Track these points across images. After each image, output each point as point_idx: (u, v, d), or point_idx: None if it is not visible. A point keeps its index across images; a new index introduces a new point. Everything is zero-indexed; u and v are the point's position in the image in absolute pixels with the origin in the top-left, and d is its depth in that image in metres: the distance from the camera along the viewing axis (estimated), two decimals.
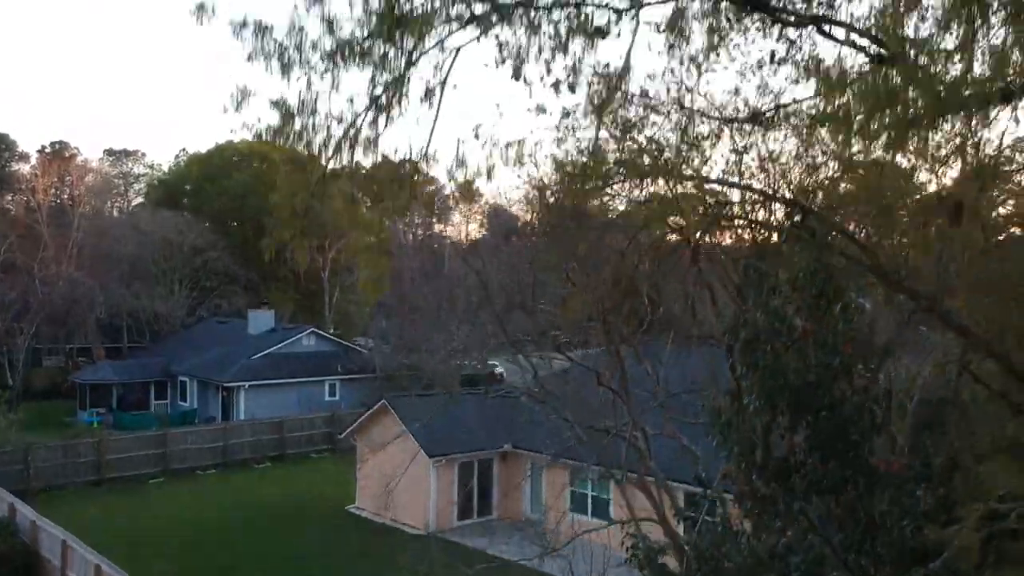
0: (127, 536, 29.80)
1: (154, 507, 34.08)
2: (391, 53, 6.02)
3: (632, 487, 16.90)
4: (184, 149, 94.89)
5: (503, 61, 6.11)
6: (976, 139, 8.24)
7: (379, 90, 6.27)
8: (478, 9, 5.79)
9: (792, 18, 6.17)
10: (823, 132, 6.57)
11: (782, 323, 8.23)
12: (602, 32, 6.01)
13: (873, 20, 5.77)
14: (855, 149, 7.52)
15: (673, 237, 12.40)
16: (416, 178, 7.50)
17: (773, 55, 6.71)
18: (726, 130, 8.45)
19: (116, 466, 37.74)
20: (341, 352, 50.65)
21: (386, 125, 6.63)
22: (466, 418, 32.29)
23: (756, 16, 6.29)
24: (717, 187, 10.94)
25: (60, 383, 54.73)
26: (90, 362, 57.11)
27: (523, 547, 27.52)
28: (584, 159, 9.88)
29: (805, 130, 7.37)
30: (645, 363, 18.10)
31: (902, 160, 9.28)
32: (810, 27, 6.14)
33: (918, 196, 10.40)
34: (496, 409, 31.80)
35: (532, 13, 5.78)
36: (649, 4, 6.03)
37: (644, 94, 7.93)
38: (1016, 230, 13.40)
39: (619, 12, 6.00)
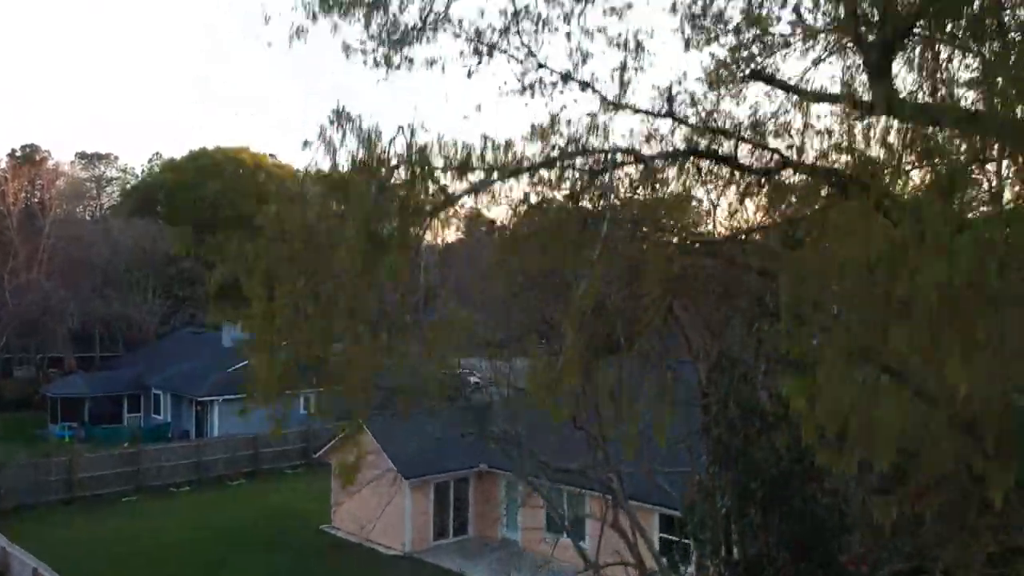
0: (99, 558, 29.54)
1: (127, 527, 33.76)
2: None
3: (608, 528, 16.94)
4: (158, 153, 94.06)
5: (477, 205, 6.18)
6: None
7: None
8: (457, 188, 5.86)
9: (763, 161, 6.30)
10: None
11: (754, 410, 8.31)
12: (576, 197, 6.11)
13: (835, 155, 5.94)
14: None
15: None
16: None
17: (743, 199, 6.83)
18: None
19: (88, 484, 37.35)
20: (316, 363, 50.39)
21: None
22: (442, 437, 32.22)
23: (726, 168, 6.41)
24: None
25: (31, 394, 54.12)
26: (61, 373, 56.49)
27: (500, 569, 27.68)
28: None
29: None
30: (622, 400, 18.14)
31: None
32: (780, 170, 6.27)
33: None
34: (472, 427, 31.76)
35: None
36: (623, 164, 6.11)
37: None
38: None
39: (593, 173, 6.08)
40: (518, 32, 6.03)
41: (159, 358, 53.53)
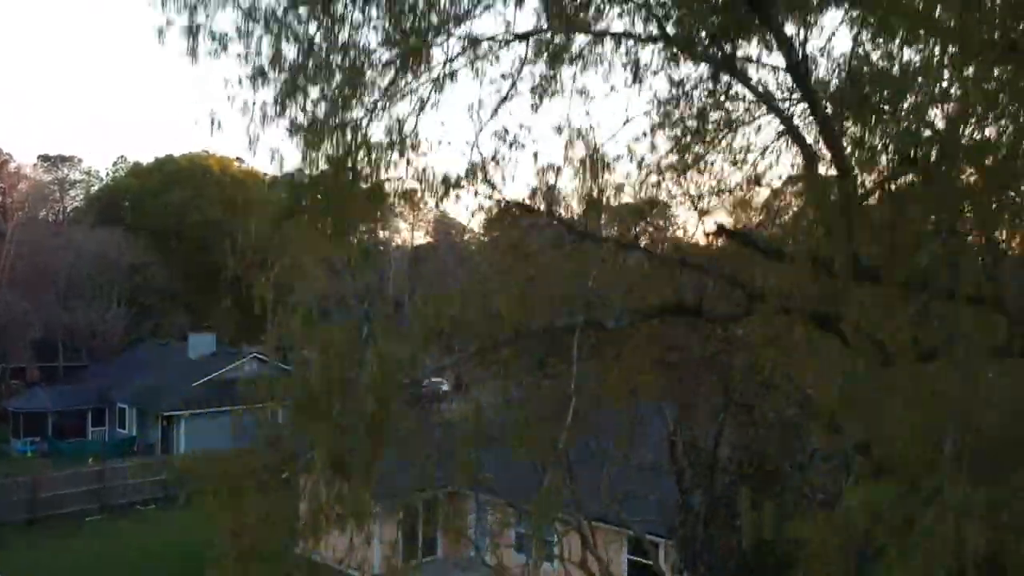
0: None
1: (92, 549, 33.27)
2: None
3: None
4: (123, 156, 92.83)
5: None
6: None
7: None
8: None
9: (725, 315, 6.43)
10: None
11: (726, 497, 8.37)
12: (542, 364, 6.18)
13: None
14: None
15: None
16: None
17: (708, 337, 6.96)
18: None
19: (51, 504, 36.76)
20: (283, 376, 49.98)
21: None
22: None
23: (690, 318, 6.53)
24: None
25: None
26: (24, 385, 55.59)
27: None
28: None
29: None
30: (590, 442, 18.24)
31: None
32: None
33: None
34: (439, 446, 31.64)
35: None
36: (592, 327, 6.19)
37: None
38: None
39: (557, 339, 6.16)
40: (484, 172, 6.06)
41: (124, 371, 52.89)
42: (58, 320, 57.66)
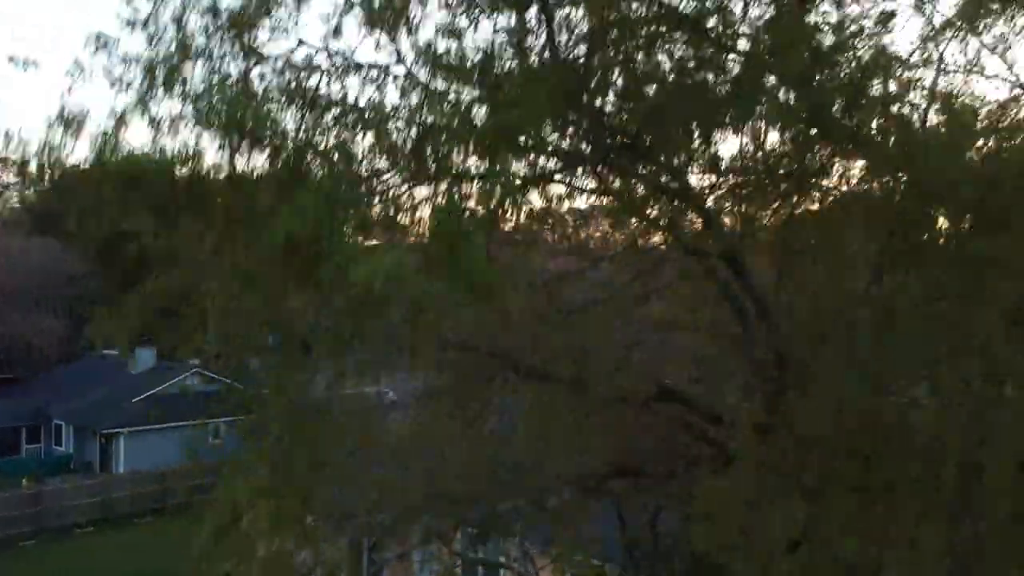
0: None
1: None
2: None
3: None
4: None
5: None
6: None
7: None
8: None
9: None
10: None
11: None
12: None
13: None
14: None
15: None
16: None
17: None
18: None
19: None
20: (225, 390, 49.12)
21: None
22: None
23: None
24: None
25: None
26: None
27: None
28: None
29: None
30: None
31: None
32: None
33: None
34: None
35: None
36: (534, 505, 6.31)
37: None
38: None
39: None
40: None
41: (61, 385, 51.49)
42: None
